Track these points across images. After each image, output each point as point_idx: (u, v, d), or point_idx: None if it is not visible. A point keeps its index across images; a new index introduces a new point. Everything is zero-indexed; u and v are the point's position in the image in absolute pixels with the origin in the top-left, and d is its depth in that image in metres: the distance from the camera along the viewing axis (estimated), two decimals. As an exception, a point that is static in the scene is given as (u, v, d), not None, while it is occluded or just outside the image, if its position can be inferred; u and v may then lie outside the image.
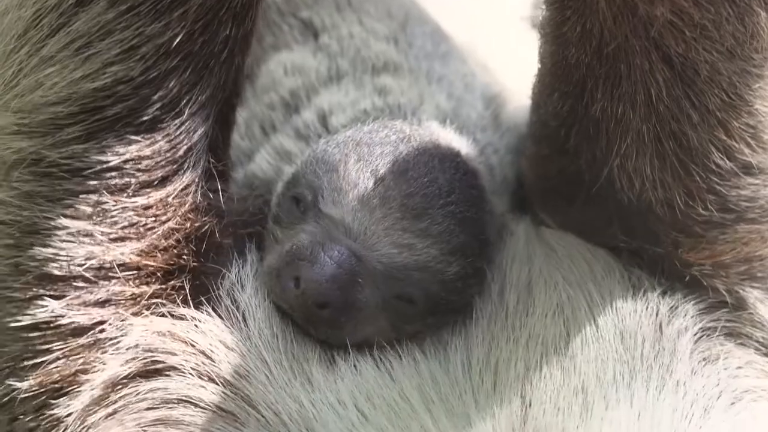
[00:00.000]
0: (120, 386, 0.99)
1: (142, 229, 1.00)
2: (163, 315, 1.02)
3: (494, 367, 1.03)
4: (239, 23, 1.00)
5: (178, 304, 1.03)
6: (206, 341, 1.02)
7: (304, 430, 0.99)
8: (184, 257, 1.03)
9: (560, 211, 1.12)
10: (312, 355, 1.03)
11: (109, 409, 0.99)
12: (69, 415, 0.98)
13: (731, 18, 0.93)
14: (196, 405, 1.00)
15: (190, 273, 1.03)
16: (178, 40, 0.96)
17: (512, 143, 1.24)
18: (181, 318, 1.03)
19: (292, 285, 1.01)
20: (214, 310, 1.04)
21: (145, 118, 0.98)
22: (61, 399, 0.98)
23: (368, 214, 1.02)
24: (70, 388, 0.98)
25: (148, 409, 1.00)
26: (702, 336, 1.07)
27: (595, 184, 1.04)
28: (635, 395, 1.01)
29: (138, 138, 0.98)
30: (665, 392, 1.02)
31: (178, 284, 1.03)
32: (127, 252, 0.99)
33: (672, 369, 1.03)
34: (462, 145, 1.15)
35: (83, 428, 0.98)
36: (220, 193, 1.05)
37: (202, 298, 1.04)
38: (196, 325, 1.02)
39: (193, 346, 1.02)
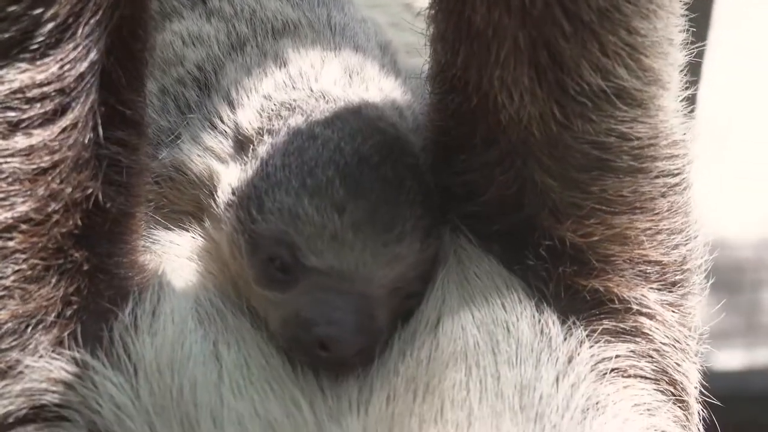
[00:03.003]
0: (8, 429, 0.96)
1: (27, 183, 0.96)
2: (55, 358, 0.99)
3: (389, 421, 0.99)
4: None
5: (76, 338, 1.00)
6: (95, 396, 0.99)
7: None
8: (72, 252, 0.99)
9: (463, 168, 1.08)
10: (201, 415, 0.99)
11: None
12: None
13: None
14: None
15: (85, 277, 1.00)
16: None
17: (415, 86, 1.23)
18: (75, 363, 1.00)
19: (319, 350, 0.99)
20: (106, 356, 1.01)
21: (37, 42, 0.95)
22: None
23: (350, 251, 1.00)
24: None
25: None
26: (597, 383, 1.04)
27: (483, 103, 1.00)
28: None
29: (29, 66, 0.95)
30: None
31: (70, 295, 0.99)
32: (13, 217, 0.96)
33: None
34: (378, 107, 1.13)
35: None
36: (119, 143, 1.02)
37: (96, 344, 1.01)
38: (90, 376, 1.00)
39: (84, 398, 0.99)
